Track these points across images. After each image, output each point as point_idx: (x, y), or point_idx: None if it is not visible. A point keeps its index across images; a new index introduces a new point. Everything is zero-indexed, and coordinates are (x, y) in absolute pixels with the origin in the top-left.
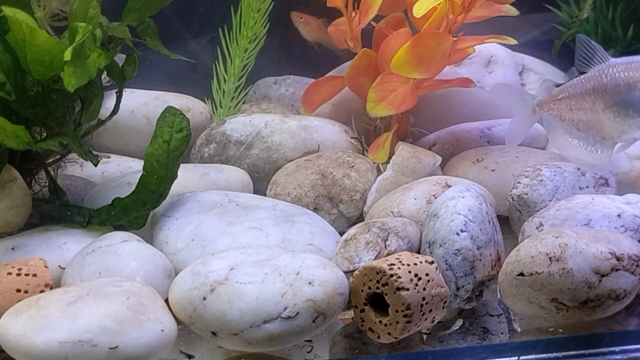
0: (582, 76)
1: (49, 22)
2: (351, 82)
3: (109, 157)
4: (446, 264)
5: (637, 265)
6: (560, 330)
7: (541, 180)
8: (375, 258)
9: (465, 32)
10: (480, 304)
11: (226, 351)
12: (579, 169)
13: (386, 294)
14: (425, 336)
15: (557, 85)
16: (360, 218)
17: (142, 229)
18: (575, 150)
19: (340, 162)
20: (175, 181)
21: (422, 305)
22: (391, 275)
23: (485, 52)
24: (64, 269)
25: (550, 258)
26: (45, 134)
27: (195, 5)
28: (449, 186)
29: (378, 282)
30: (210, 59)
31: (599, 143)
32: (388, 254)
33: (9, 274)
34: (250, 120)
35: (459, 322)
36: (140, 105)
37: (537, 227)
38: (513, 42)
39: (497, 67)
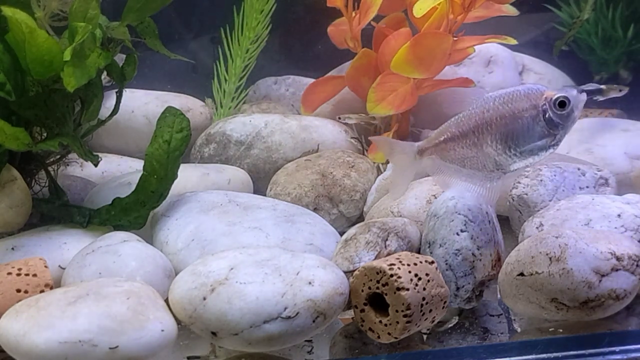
0: (459, 116)
1: (49, 22)
2: (351, 82)
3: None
4: (446, 264)
5: (637, 265)
6: (560, 330)
7: (541, 180)
8: (375, 258)
9: (465, 32)
10: (480, 304)
11: (226, 351)
12: (579, 168)
13: (386, 294)
14: (425, 336)
15: None
16: (360, 218)
17: (142, 229)
18: (466, 188)
19: (340, 162)
20: (175, 181)
21: (422, 305)
22: (391, 275)
23: (485, 52)
24: (64, 269)
25: (550, 258)
26: (45, 135)
27: (197, 6)
28: None
29: (378, 282)
30: (211, 59)
31: (487, 177)
32: (388, 254)
33: (9, 274)
34: (250, 120)
35: (455, 320)
36: (140, 105)
37: (537, 227)
38: (513, 42)
39: (497, 67)
